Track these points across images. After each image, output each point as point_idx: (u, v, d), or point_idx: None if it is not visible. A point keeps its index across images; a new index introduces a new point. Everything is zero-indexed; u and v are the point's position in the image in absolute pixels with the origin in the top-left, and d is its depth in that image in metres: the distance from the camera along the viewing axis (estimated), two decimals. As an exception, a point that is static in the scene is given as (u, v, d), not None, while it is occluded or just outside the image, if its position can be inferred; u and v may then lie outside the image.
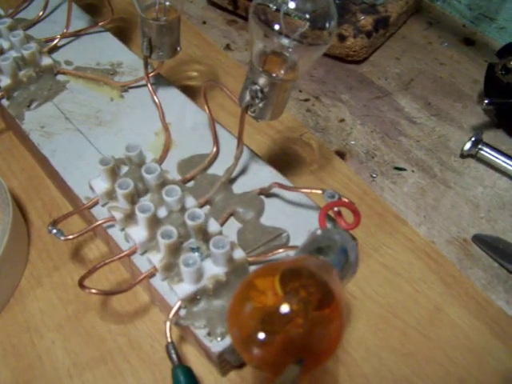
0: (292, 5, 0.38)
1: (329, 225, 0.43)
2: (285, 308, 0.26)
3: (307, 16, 0.39)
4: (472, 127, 0.59)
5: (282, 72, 0.41)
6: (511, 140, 0.58)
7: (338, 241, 0.32)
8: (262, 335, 0.26)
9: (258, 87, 0.41)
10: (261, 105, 0.42)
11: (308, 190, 0.44)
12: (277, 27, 0.38)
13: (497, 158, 0.55)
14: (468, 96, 0.63)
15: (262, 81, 0.40)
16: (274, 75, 0.41)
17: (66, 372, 0.42)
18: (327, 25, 0.39)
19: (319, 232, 0.33)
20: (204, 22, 0.73)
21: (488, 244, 0.50)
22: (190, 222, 0.40)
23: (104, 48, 0.59)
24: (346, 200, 0.41)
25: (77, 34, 0.59)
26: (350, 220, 0.40)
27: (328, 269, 0.30)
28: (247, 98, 0.42)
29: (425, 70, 0.66)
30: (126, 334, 0.44)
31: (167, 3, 0.49)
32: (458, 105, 0.62)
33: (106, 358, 0.43)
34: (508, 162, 0.55)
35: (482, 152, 0.55)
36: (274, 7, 0.39)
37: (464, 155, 0.57)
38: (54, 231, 0.43)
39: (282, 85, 0.41)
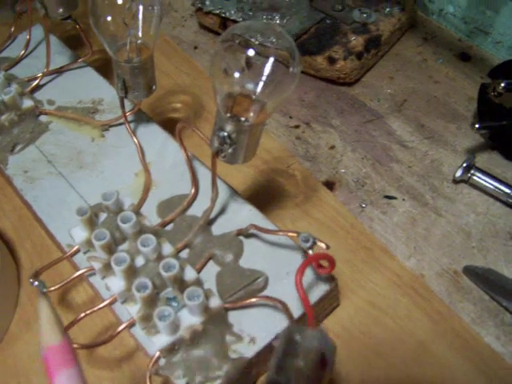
0: (251, 52, 0.40)
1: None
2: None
3: (271, 59, 0.41)
4: (466, 150, 0.61)
5: (251, 114, 0.42)
6: (506, 162, 0.59)
7: (318, 350, 0.34)
8: None
9: (226, 133, 0.42)
10: (230, 150, 0.43)
11: (283, 234, 0.46)
12: (237, 75, 0.40)
13: (489, 183, 0.56)
14: (463, 116, 0.64)
15: (228, 127, 0.42)
16: (243, 119, 0.42)
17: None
18: (291, 68, 0.41)
19: (297, 338, 0.35)
20: (195, 47, 0.75)
21: (479, 276, 0.51)
22: (164, 273, 0.42)
23: (85, 84, 0.61)
24: (322, 245, 0.43)
25: (58, 71, 0.62)
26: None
27: None
28: (216, 144, 0.43)
29: (418, 90, 0.67)
30: (113, 379, 0.46)
31: (139, 41, 0.51)
32: (452, 126, 0.63)
33: (94, 405, 0.45)
34: (501, 187, 0.55)
35: (474, 177, 0.57)
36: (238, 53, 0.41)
37: (456, 181, 0.58)
38: (36, 283, 0.45)
39: (250, 130, 0.43)
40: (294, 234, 0.44)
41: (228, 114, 0.42)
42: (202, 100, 0.67)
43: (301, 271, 0.39)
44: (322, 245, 0.43)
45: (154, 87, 0.53)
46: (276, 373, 0.34)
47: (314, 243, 0.43)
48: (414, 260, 0.52)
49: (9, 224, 0.56)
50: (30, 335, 0.49)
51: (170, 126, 0.58)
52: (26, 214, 0.57)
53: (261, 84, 0.41)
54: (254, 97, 0.42)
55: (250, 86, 0.42)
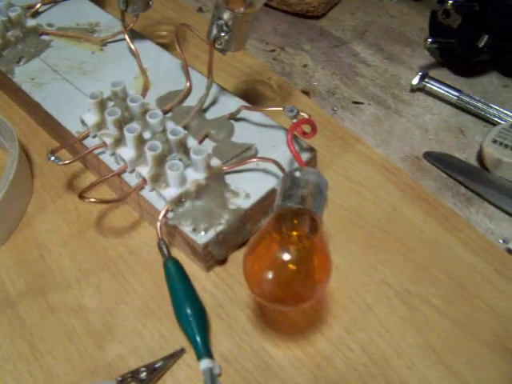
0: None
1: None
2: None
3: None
4: (420, 67, 0.69)
5: (242, 9, 0.50)
6: (455, 77, 0.68)
7: (315, 183, 0.42)
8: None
9: (223, 21, 0.50)
10: (226, 37, 0.51)
11: (271, 109, 0.53)
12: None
13: (442, 89, 0.65)
14: (416, 42, 0.73)
15: (226, 15, 0.50)
16: (236, 11, 0.50)
17: (73, 278, 0.50)
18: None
19: (297, 174, 0.42)
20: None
21: (437, 158, 0.59)
22: (172, 137, 0.49)
23: (81, 12, 0.68)
24: (305, 115, 0.51)
25: (54, 1, 0.68)
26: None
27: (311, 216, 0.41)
28: (214, 31, 0.51)
29: (377, 22, 0.76)
30: (124, 243, 0.52)
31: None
32: (408, 49, 0.72)
33: (109, 264, 0.51)
34: (451, 92, 0.64)
35: (428, 85, 0.65)
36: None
37: (413, 89, 0.66)
38: (53, 158, 0.51)
39: (243, 17, 0.50)
40: (280, 108, 0.52)
41: (225, 6, 0.50)
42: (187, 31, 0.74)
43: (291, 131, 0.47)
44: (305, 114, 0.51)
45: (150, 2, 0.60)
46: (284, 200, 0.41)
47: (298, 113, 0.51)
48: (381, 149, 0.60)
49: (18, 130, 0.62)
50: (46, 214, 0.55)
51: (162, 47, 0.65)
52: (33, 123, 0.63)
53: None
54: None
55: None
